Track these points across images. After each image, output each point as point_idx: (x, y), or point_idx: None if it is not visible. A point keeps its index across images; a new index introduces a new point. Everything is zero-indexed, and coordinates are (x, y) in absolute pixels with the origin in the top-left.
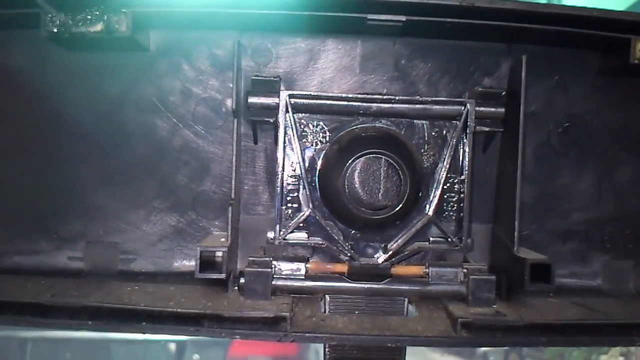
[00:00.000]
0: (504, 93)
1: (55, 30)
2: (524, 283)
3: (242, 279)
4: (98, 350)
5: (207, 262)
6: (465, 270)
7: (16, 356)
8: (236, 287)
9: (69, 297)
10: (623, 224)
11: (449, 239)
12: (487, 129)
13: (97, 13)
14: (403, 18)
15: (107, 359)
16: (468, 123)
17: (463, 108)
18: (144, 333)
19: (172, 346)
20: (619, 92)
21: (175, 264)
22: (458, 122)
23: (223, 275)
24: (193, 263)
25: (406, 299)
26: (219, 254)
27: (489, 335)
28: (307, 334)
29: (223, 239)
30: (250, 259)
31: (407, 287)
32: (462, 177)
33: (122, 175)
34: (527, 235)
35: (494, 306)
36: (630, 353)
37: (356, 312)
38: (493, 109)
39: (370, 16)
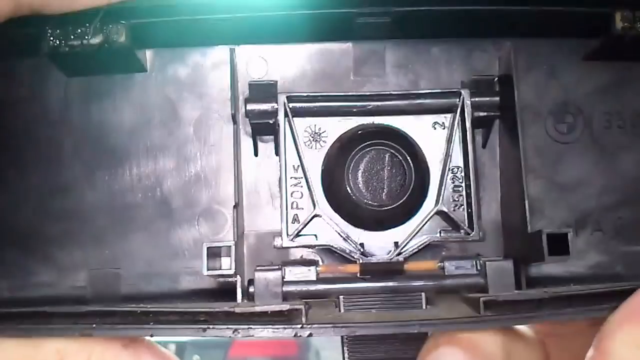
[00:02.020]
0: (496, 79)
1: (56, 44)
2: (543, 256)
3: (251, 287)
4: None
5: (214, 259)
6: (481, 261)
7: None
8: (245, 299)
9: (72, 306)
10: (633, 207)
11: (461, 230)
12: (484, 113)
13: (97, 26)
14: (390, 9)
15: None
16: (465, 111)
17: (458, 98)
18: (152, 336)
19: (172, 347)
20: (608, 76)
21: (180, 284)
22: (455, 113)
23: (231, 272)
24: (198, 280)
25: (423, 294)
26: (226, 259)
27: (514, 312)
28: (325, 325)
29: (229, 242)
30: (259, 267)
31: (422, 283)
32: (466, 167)
33: (122, 199)
34: (532, 225)
35: (515, 292)
36: None
37: (373, 310)
38: (487, 98)
39: (358, 10)
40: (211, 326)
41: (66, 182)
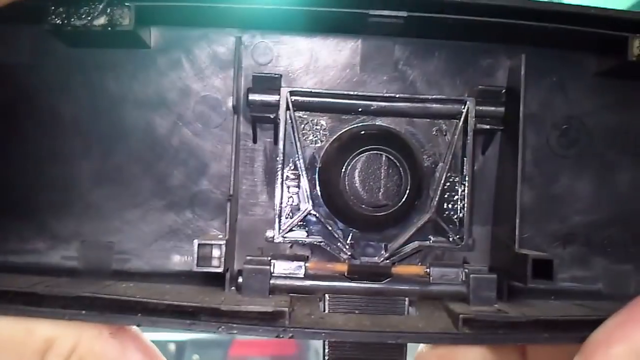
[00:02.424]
0: (503, 91)
1: (58, 22)
2: (526, 279)
3: (239, 277)
4: None
5: (204, 258)
6: (466, 270)
7: None
8: (233, 287)
9: (63, 288)
10: (623, 227)
11: (450, 238)
12: (487, 126)
13: (101, 6)
14: (404, 14)
15: None
16: (469, 121)
17: (463, 106)
18: (138, 325)
19: (172, 346)
20: (616, 94)
21: (171, 264)
22: (458, 121)
23: (220, 269)
24: (189, 262)
25: (407, 299)
26: (216, 251)
27: (491, 331)
28: (306, 330)
29: (221, 235)
30: (248, 258)
31: (407, 287)
32: (463, 176)
33: (119, 173)
34: (527, 238)
35: (496, 305)
36: None
37: (356, 311)
38: (493, 108)
39: (372, 12)
40: (196, 321)
41: (63, 152)
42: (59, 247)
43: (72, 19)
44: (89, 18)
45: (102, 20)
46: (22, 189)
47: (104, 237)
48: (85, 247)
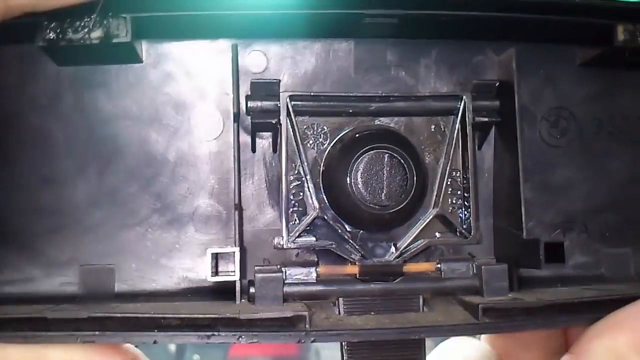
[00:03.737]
0: (497, 84)
1: (53, 37)
2: (540, 264)
3: (251, 287)
4: None
5: (217, 269)
6: (476, 263)
7: None
8: (244, 299)
9: (72, 311)
10: (618, 212)
11: (458, 232)
12: (485, 119)
13: (97, 19)
14: (401, 12)
15: None
16: (466, 115)
17: (459, 102)
18: (155, 342)
19: (172, 347)
20: (601, 83)
21: (175, 282)
22: (456, 116)
23: (236, 277)
24: (195, 279)
25: (421, 296)
26: (229, 261)
27: (510, 319)
28: (328, 332)
29: (230, 246)
30: (258, 267)
31: (420, 284)
32: (465, 169)
33: (116, 193)
34: (528, 229)
35: (509, 295)
36: None
37: (372, 312)
38: (488, 102)
39: (367, 12)
40: (215, 333)
41: (56, 174)
42: (57, 274)
43: (68, 33)
44: (85, 31)
45: (98, 33)
46: (14, 215)
47: (104, 259)
48: (84, 271)
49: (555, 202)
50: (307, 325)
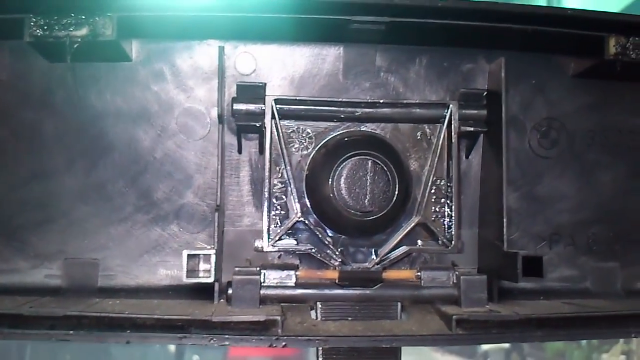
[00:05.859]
0: (485, 93)
1: (39, 34)
2: (517, 277)
3: (229, 288)
4: (98, 352)
5: (193, 269)
6: (456, 273)
7: (15, 358)
8: (222, 299)
9: (49, 308)
10: (607, 226)
11: (440, 241)
12: (471, 128)
13: (83, 17)
14: (386, 19)
15: None
16: (452, 124)
17: (446, 110)
18: (128, 342)
19: (172, 348)
20: (593, 95)
21: (158, 279)
22: (442, 124)
23: (211, 279)
24: (177, 276)
25: (399, 304)
26: (205, 262)
27: (485, 331)
28: (299, 338)
29: (209, 247)
30: (237, 268)
31: (399, 292)
32: (449, 178)
33: (103, 189)
34: (514, 240)
35: (487, 306)
36: (631, 352)
37: (349, 318)
38: (475, 111)
39: (354, 18)
40: (188, 335)
41: (45, 168)
42: (42, 266)
43: (54, 30)
44: (71, 29)
45: (84, 31)
46: (2, 206)
47: (89, 254)
48: (69, 265)
49: (543, 213)
50: (279, 330)
